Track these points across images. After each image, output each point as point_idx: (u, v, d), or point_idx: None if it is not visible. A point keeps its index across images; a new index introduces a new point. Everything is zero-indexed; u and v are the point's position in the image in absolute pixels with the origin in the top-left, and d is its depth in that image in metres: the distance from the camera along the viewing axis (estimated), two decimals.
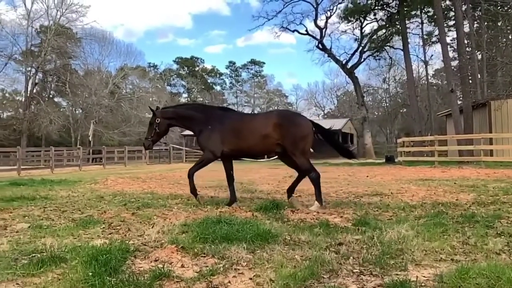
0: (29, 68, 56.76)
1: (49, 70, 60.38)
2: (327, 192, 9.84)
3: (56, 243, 4.72)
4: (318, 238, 4.89)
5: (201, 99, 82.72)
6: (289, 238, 4.90)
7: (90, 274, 3.53)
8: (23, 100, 59.50)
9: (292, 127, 7.86)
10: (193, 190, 8.32)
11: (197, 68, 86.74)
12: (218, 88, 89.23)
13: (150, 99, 68.90)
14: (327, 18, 41.14)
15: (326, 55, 41.95)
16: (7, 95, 66.87)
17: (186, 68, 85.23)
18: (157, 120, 8.54)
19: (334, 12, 41.35)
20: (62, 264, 3.95)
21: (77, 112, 62.54)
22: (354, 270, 3.83)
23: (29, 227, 5.86)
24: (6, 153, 37.89)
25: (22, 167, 22.61)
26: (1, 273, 3.72)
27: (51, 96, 65.28)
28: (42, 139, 57.52)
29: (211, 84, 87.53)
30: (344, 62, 41.40)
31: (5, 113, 68.08)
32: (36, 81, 58.34)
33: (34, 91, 57.99)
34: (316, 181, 7.79)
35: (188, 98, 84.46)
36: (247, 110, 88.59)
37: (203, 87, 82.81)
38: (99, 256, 3.87)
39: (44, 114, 53.85)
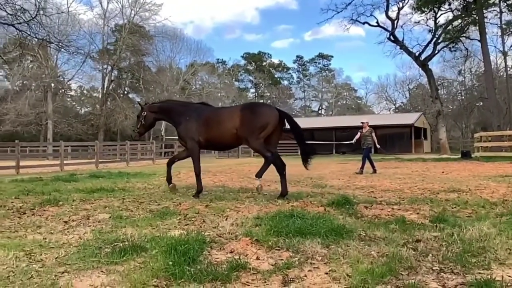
0: (105, 66, 59.47)
1: (124, 68, 62.94)
2: (401, 188, 9.59)
3: (136, 233, 4.92)
4: (394, 235, 4.77)
5: (268, 94, 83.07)
6: (364, 234, 4.81)
7: (170, 263, 3.64)
8: (100, 96, 62.48)
9: (251, 115, 8.30)
10: (199, 187, 8.71)
11: (264, 63, 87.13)
12: (285, 82, 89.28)
13: (219, 94, 70.19)
14: (399, 9, 39.85)
15: (398, 47, 40.63)
16: (85, 91, 70.54)
17: (253, 64, 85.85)
18: (143, 113, 9.36)
19: (407, 3, 39.98)
20: (143, 253, 4.09)
21: None
22: (434, 268, 3.71)
23: (110, 217, 6.14)
24: (84, 147, 40.01)
25: (99, 160, 23.71)
26: (87, 261, 3.91)
27: (125, 92, 68.01)
28: (118, 133, 60.06)
29: (278, 79, 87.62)
30: (417, 54, 39.88)
31: (83, 109, 71.80)
32: (112, 78, 61.02)
33: (110, 87, 60.63)
34: (269, 161, 8.42)
35: (256, 93, 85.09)
36: (315, 105, 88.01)
37: (270, 82, 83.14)
38: (178, 246, 3.99)
39: (120, 110, 56.26)
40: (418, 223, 5.45)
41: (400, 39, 40.09)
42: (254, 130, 8.17)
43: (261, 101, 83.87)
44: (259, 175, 8.63)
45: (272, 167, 8.60)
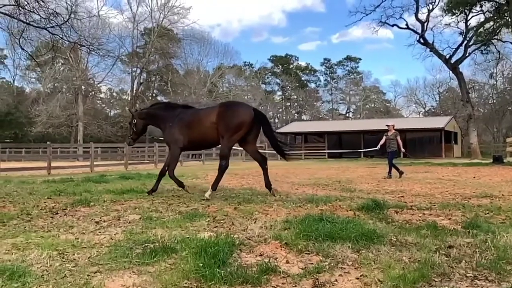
0: (135, 69, 60.35)
1: (153, 70, 63.78)
2: (432, 193, 9.43)
3: (166, 234, 4.97)
4: (426, 240, 4.68)
5: (295, 96, 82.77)
6: (395, 239, 4.74)
7: (201, 265, 3.65)
8: (129, 99, 63.36)
9: (228, 114, 8.62)
10: (180, 184, 9.42)
11: (291, 66, 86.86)
12: (312, 85, 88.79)
13: (245, 97, 70.39)
14: (429, 11, 39.24)
15: (428, 50, 39.95)
16: (114, 94, 71.70)
17: (280, 66, 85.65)
18: (134, 121, 9.81)
19: (437, 5, 39.34)
20: (173, 254, 4.12)
21: None
22: (468, 274, 3.63)
23: (140, 218, 6.21)
24: (114, 149, 40.61)
25: (128, 161, 24.05)
26: (118, 261, 3.95)
27: (154, 95, 68.84)
28: (146, 135, 60.79)
29: (305, 82, 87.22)
30: (447, 57, 39.14)
31: (113, 111, 72.92)
32: (141, 80, 61.82)
33: (139, 90, 61.45)
34: (221, 169, 8.68)
35: (282, 96, 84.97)
36: (342, 108, 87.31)
37: (297, 84, 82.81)
38: (207, 248, 4.00)
39: None
40: (450, 229, 5.34)
41: (430, 41, 39.50)
42: (229, 128, 8.50)
43: (288, 104, 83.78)
44: (213, 186, 8.75)
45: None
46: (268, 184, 8.99)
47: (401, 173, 14.63)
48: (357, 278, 3.55)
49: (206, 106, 10.09)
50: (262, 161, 9.08)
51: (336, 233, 4.73)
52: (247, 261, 4.01)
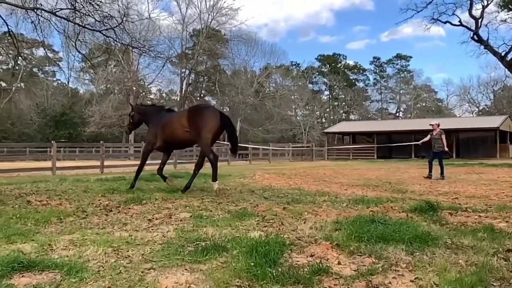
0: (183, 70, 61.32)
1: (201, 71, 64.62)
2: (487, 195, 9.10)
3: (216, 232, 5.01)
4: (483, 243, 4.52)
5: (343, 96, 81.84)
6: (450, 242, 4.59)
7: (252, 264, 3.66)
8: (178, 99, 64.45)
9: (196, 118, 9.06)
10: (135, 180, 10.12)
11: (339, 65, 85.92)
12: (361, 84, 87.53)
13: (292, 97, 70.18)
14: (484, 7, 37.73)
15: (482, 47, 38.38)
16: (163, 95, 73.07)
17: (328, 65, 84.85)
18: (131, 113, 10.59)
19: (492, 1, 37.87)
20: (224, 253, 4.15)
21: (224, 110, 66.04)
22: None
23: (191, 216, 6.29)
24: None
25: (178, 161, 24.47)
26: (171, 259, 4.02)
27: (202, 95, 69.76)
28: None
29: (353, 81, 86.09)
30: (503, 54, 37.45)
31: None
32: (190, 81, 62.76)
33: (188, 91, 62.41)
34: (212, 163, 9.06)
35: (330, 96, 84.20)
36: (392, 107, 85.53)
37: (345, 84, 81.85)
38: (258, 248, 4.01)
39: None
40: (508, 232, 5.12)
41: (485, 38, 38.00)
42: (199, 131, 8.92)
43: (335, 103, 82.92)
44: (214, 179, 9.15)
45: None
46: (188, 185, 9.60)
47: (430, 176, 14.26)
48: (412, 281, 3.47)
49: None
50: (201, 164, 9.84)
51: (389, 235, 4.64)
52: (298, 261, 3.98)
